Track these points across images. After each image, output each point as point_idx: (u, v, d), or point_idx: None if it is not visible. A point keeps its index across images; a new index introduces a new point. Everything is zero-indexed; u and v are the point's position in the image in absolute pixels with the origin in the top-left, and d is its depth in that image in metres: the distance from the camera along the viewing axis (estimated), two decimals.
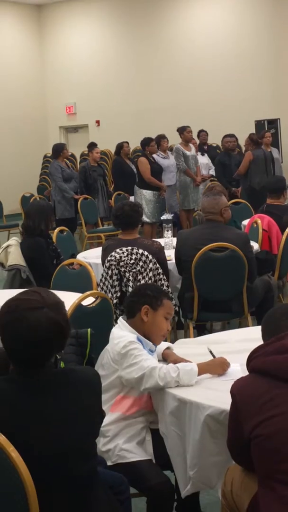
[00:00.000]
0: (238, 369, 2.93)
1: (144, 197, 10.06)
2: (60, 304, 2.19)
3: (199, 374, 2.87)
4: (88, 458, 2.19)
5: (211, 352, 3.06)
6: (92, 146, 11.54)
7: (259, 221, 6.36)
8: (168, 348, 3.20)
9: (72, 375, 2.20)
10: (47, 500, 2.05)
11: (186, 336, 5.28)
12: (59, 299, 2.21)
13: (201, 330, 5.82)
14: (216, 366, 2.93)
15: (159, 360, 3.09)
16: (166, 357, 3.13)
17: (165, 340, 3.29)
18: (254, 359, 2.28)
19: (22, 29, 18.45)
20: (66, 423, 2.11)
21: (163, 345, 3.22)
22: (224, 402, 2.54)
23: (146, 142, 10.43)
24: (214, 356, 3.01)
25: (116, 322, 4.53)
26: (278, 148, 13.34)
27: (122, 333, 3.05)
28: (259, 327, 3.32)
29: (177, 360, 3.04)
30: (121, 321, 3.14)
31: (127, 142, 11.80)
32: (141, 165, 10.17)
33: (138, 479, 2.85)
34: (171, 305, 3.21)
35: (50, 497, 2.07)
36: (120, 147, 11.74)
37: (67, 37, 18.53)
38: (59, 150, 10.48)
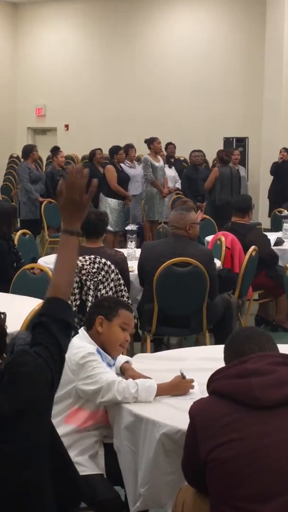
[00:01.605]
0: (196, 388, 2.90)
1: (109, 205, 10.03)
2: None
3: (159, 394, 2.84)
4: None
5: (182, 374, 2.98)
6: (55, 150, 11.46)
7: (223, 239, 6.38)
8: (127, 362, 3.17)
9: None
10: None
11: (143, 349, 5.25)
12: None
13: (158, 344, 5.81)
14: (177, 388, 2.90)
15: (117, 374, 3.05)
16: (124, 371, 3.09)
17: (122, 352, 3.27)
18: (215, 381, 2.25)
19: None
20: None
21: (122, 358, 3.19)
22: (180, 421, 2.52)
23: (114, 150, 10.42)
24: (183, 377, 2.95)
25: (75, 330, 4.50)
26: (245, 167, 13.45)
27: (82, 343, 3.02)
28: (219, 346, 3.32)
29: (135, 375, 3.01)
30: (82, 331, 3.12)
31: (100, 149, 11.76)
32: (108, 173, 10.15)
33: (88, 493, 2.80)
34: (128, 316, 3.19)
35: None
36: (92, 154, 11.70)
37: (41, 38, 18.44)
38: (28, 151, 10.41)
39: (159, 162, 10.57)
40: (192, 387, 2.92)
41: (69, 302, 4.63)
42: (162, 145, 11.09)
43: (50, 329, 2.15)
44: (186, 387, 2.91)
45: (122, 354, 3.27)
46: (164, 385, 2.89)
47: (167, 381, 2.91)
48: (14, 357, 2.13)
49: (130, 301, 5.02)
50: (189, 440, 2.26)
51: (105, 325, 3.09)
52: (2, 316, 2.12)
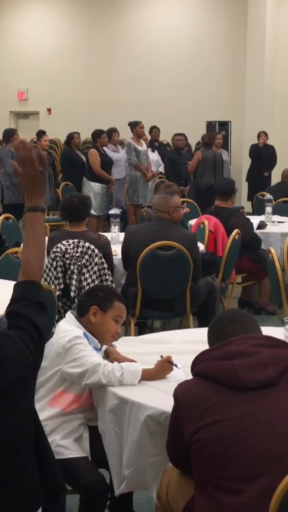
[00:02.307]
0: (180, 371, 2.92)
1: (92, 189, 10.00)
2: None
3: (144, 379, 2.85)
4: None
5: (173, 363, 2.97)
6: (40, 134, 11.41)
7: (206, 222, 6.39)
8: (111, 345, 3.18)
9: None
10: None
11: (127, 332, 5.26)
12: None
13: (142, 327, 5.83)
14: (162, 374, 2.90)
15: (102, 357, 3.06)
16: (108, 354, 3.10)
17: None
18: (199, 363, 2.27)
19: None
20: None
21: None
22: (165, 403, 2.53)
23: (97, 134, 10.38)
24: (175, 365, 2.94)
25: (59, 314, 4.50)
26: (227, 150, 13.46)
27: (68, 327, 3.03)
28: (203, 329, 3.34)
29: (119, 358, 3.02)
30: (69, 315, 3.12)
31: (77, 133, 11.71)
32: (91, 157, 10.12)
33: (73, 476, 2.82)
34: (122, 308, 3.19)
35: None
36: (70, 137, 11.64)
37: (23, 21, 18.23)
38: (9, 135, 10.34)
39: (142, 146, 10.53)
40: (172, 369, 2.91)
41: (53, 286, 4.64)
42: (145, 129, 11.07)
43: (25, 312, 2.16)
44: (168, 367, 2.91)
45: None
46: (149, 371, 2.90)
47: (151, 367, 2.92)
48: None
49: (114, 285, 5.03)
50: (173, 422, 2.28)
51: (99, 316, 3.09)
52: None
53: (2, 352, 2.07)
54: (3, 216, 6.74)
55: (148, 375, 2.88)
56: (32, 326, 2.15)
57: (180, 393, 2.25)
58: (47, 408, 2.94)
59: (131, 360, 2.96)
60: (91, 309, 3.09)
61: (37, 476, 2.15)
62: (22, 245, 2.26)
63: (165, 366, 2.93)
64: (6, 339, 2.11)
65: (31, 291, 2.21)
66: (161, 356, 2.98)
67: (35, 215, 2.27)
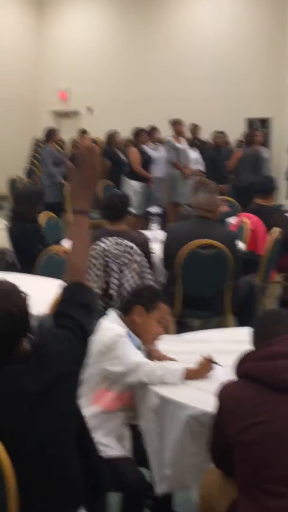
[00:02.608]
0: (222, 371, 2.90)
1: (132, 187, 10.02)
2: (7, 291, 2.11)
3: (186, 378, 2.85)
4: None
5: (215, 362, 2.97)
6: (82, 133, 11.48)
7: (246, 221, 6.35)
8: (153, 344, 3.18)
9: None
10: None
11: (167, 331, 5.25)
12: (6, 285, 2.12)
13: (182, 326, 5.81)
14: (204, 373, 2.90)
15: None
16: (150, 353, 3.10)
17: None
18: (243, 364, 2.26)
19: (21, 10, 18.26)
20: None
21: None
22: (207, 403, 2.52)
23: (137, 132, 10.40)
24: (217, 364, 2.94)
25: (99, 313, 4.50)
26: (268, 148, 13.35)
27: (111, 325, 3.03)
28: (243, 329, 3.32)
29: (160, 357, 3.02)
30: (112, 313, 3.12)
31: (117, 132, 11.74)
32: (131, 155, 10.14)
33: (114, 474, 2.82)
34: (166, 310, 3.19)
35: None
36: (110, 136, 11.68)
37: (65, 21, 18.37)
38: (51, 134, 10.42)
39: (182, 144, 10.51)
40: (213, 368, 2.91)
41: (89, 280, 4.65)
42: (185, 127, 11.06)
43: (71, 313, 2.21)
44: (209, 365, 2.91)
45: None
46: (191, 370, 2.89)
47: (193, 364, 2.92)
48: (40, 338, 2.17)
49: (153, 284, 5.02)
50: (216, 422, 2.27)
51: (143, 316, 3.09)
52: (23, 295, 2.13)
53: (45, 350, 2.11)
54: (45, 214, 6.79)
55: (190, 374, 2.87)
56: (77, 326, 2.19)
57: (224, 393, 2.24)
58: (89, 406, 2.95)
59: (172, 359, 2.96)
60: (135, 309, 3.09)
61: (80, 475, 2.17)
62: (70, 247, 2.32)
63: (206, 365, 2.92)
64: (51, 337, 2.15)
65: (78, 292, 2.27)
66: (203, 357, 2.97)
67: (82, 218, 2.33)
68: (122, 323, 3.08)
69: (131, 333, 3.05)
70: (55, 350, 2.12)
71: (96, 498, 2.33)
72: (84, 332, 2.20)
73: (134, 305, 3.10)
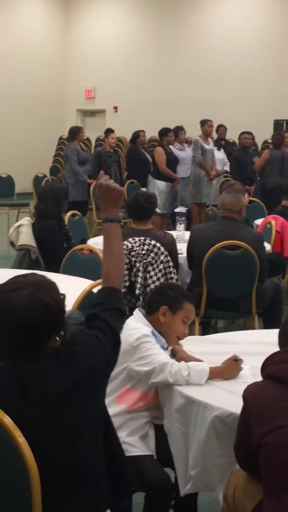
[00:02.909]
0: (248, 372, 2.89)
1: (158, 187, 10.00)
2: (47, 283, 2.14)
3: (211, 377, 2.84)
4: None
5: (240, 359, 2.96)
6: (108, 131, 11.50)
7: (273, 222, 6.32)
8: (178, 344, 3.16)
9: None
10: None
11: (192, 331, 5.23)
12: (47, 280, 2.16)
13: (206, 327, 5.79)
14: (230, 373, 2.89)
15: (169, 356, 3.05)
16: (175, 353, 3.09)
17: None
18: (269, 365, 2.24)
19: (48, 9, 18.34)
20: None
21: None
22: (233, 404, 2.51)
23: (164, 132, 10.39)
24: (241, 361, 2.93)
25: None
26: None
27: (137, 325, 3.02)
28: (270, 330, 3.30)
29: (185, 357, 3.00)
30: (137, 313, 3.12)
31: (143, 131, 11.74)
32: (157, 155, 10.13)
33: (138, 473, 2.80)
34: (192, 309, 3.16)
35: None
36: (136, 135, 11.68)
37: (92, 20, 18.42)
38: (75, 132, 10.43)
39: (209, 145, 10.49)
40: (241, 369, 2.90)
41: (122, 284, 4.65)
42: (213, 128, 11.04)
43: (104, 316, 2.25)
44: (237, 368, 2.89)
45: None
46: (216, 369, 2.88)
47: (219, 365, 2.90)
48: (70, 336, 2.17)
49: (179, 283, 5.01)
50: (242, 424, 2.25)
51: (168, 316, 3.08)
52: (62, 296, 2.16)
53: (74, 347, 2.12)
54: (70, 212, 6.80)
55: (215, 374, 2.86)
56: (109, 328, 2.22)
57: (250, 394, 2.22)
58: (113, 405, 2.95)
59: (198, 360, 2.95)
60: (161, 309, 3.08)
61: (106, 476, 2.16)
62: (102, 253, 2.43)
63: (232, 364, 2.90)
64: (81, 335, 2.18)
65: (111, 297, 2.32)
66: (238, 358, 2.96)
67: (112, 226, 2.40)
68: (147, 322, 3.07)
69: (156, 333, 3.04)
70: (84, 349, 2.13)
71: (122, 499, 2.33)
72: (115, 336, 2.24)
73: (159, 305, 3.08)
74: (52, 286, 2.15)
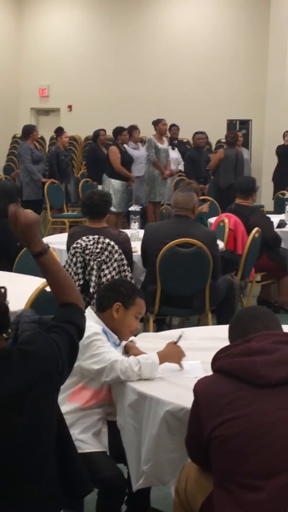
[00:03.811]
0: (200, 367, 2.92)
1: (112, 186, 10.02)
2: None
3: (161, 362, 2.88)
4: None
5: (179, 337, 3.04)
6: (60, 130, 11.46)
7: (226, 220, 6.38)
8: (131, 341, 3.18)
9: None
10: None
11: (146, 329, 5.27)
12: None
13: (161, 324, 5.83)
14: (172, 354, 2.94)
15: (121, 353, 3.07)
16: (128, 350, 3.11)
17: None
18: (220, 359, 2.27)
19: (0, 7, 18.16)
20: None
21: None
22: (185, 399, 2.53)
23: (118, 131, 10.40)
24: (176, 342, 3.01)
25: None
26: (248, 149, 13.41)
27: (88, 323, 3.02)
28: (222, 326, 3.34)
29: (138, 353, 3.02)
30: (89, 310, 3.11)
31: (104, 130, 11.75)
32: (111, 154, 10.14)
33: (91, 470, 2.81)
34: (143, 304, 3.19)
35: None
36: (96, 134, 11.69)
37: (46, 18, 18.29)
38: (29, 131, 10.38)
39: (163, 144, 10.54)
40: (182, 352, 2.95)
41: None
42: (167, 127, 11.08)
43: (63, 326, 2.22)
44: (178, 353, 2.95)
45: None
46: (160, 355, 2.92)
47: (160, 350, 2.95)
48: (28, 336, 2.14)
49: (133, 281, 5.03)
50: (193, 417, 2.28)
51: (121, 312, 3.08)
52: (2, 290, 2.12)
53: (30, 347, 2.09)
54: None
55: (162, 358, 2.90)
56: (67, 335, 2.19)
57: (200, 388, 2.25)
58: (66, 403, 2.95)
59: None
60: (114, 305, 3.08)
61: (57, 477, 2.15)
62: (49, 286, 2.37)
63: (172, 346, 2.97)
64: (38, 336, 2.14)
65: (73, 315, 2.28)
66: (180, 336, 3.04)
67: (43, 259, 2.30)
68: (98, 319, 3.07)
69: (107, 330, 3.05)
70: (37, 350, 2.09)
71: (75, 500, 2.32)
72: (73, 344, 2.21)
73: (112, 302, 3.09)
74: None
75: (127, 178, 10.16)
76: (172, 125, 13.24)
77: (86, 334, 2.91)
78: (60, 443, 2.21)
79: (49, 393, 2.11)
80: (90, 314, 3.10)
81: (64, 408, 2.91)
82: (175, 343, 3.00)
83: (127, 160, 10.26)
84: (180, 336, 3.05)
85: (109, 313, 3.09)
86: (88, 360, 2.90)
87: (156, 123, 10.47)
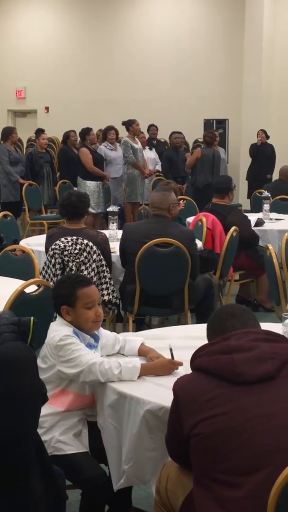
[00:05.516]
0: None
1: (88, 188, 10.00)
2: None
3: (143, 374, 2.84)
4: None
5: (171, 351, 3.00)
6: (39, 132, 11.46)
7: (203, 220, 6.41)
8: (142, 343, 3.14)
9: None
10: None
11: (125, 329, 5.28)
12: None
13: (140, 324, 5.84)
14: (162, 370, 2.90)
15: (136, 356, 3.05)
16: (144, 354, 3.06)
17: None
18: (198, 358, 2.28)
19: None
20: None
21: (137, 341, 3.15)
22: (164, 398, 2.54)
23: (85, 131, 10.42)
24: (172, 357, 2.96)
25: None
26: (225, 148, 13.47)
27: (58, 327, 3.00)
28: (201, 325, 3.35)
29: (156, 356, 3.00)
30: (58, 316, 3.11)
31: (73, 131, 11.72)
32: (82, 155, 10.12)
33: (74, 471, 2.82)
34: (87, 293, 3.05)
35: None
36: (66, 136, 11.68)
37: (21, 19, 18.21)
38: (8, 133, 10.36)
39: (138, 144, 10.54)
40: (177, 369, 2.90)
41: (52, 283, 4.63)
42: (143, 127, 11.07)
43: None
44: (171, 369, 2.90)
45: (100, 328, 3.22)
46: (149, 365, 2.89)
47: (153, 361, 2.93)
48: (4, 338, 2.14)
49: (112, 281, 5.04)
50: (172, 416, 2.29)
51: (71, 312, 3.02)
52: None
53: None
54: (1, 214, 6.75)
55: (147, 370, 2.87)
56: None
57: (179, 387, 2.26)
58: (46, 406, 2.93)
59: (180, 363, 2.90)
60: (62, 310, 3.03)
61: (40, 485, 2.15)
62: None
63: (165, 363, 2.92)
64: (22, 346, 2.19)
65: None
66: (171, 349, 2.97)
67: None
68: (66, 322, 3.03)
69: (78, 332, 3.00)
70: (16, 358, 2.12)
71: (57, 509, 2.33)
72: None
73: (59, 307, 3.04)
74: None
75: (101, 177, 10.17)
76: (151, 125, 13.26)
77: (57, 338, 2.90)
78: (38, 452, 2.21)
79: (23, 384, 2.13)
80: (59, 318, 3.08)
81: (44, 410, 2.90)
82: (173, 363, 2.92)
83: (99, 160, 10.26)
84: (171, 350, 3.00)
85: (64, 318, 3.04)
86: (65, 364, 2.88)
87: (129, 124, 10.37)
